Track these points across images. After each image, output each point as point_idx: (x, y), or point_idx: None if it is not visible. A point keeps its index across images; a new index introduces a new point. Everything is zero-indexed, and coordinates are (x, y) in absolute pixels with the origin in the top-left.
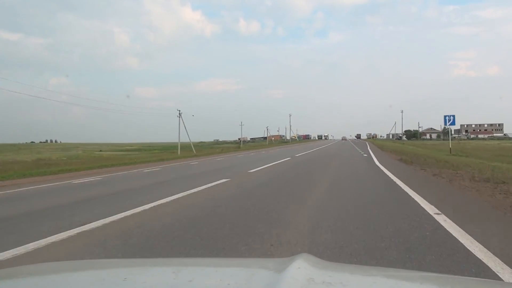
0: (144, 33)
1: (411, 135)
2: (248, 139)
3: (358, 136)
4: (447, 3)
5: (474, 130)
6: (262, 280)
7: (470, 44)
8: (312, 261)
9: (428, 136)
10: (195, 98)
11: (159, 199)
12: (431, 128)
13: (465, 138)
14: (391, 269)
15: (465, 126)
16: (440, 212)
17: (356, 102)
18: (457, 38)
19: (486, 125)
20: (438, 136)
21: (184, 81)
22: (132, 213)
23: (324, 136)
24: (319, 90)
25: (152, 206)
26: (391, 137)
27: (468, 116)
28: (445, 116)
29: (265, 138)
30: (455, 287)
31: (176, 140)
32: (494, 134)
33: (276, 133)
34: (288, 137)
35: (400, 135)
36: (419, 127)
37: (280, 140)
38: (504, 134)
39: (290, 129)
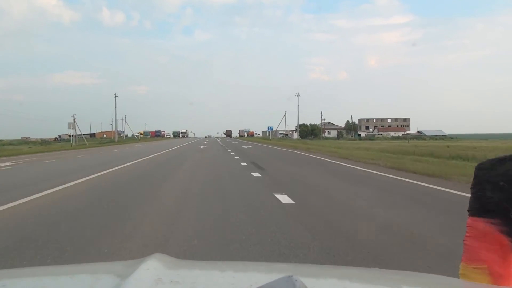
0: None
1: (308, 131)
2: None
3: (229, 134)
4: (308, 11)
5: (376, 127)
6: (105, 286)
7: (324, 50)
8: (164, 260)
9: (327, 133)
10: (48, 91)
11: None
12: (329, 123)
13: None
14: (240, 263)
15: (365, 120)
16: None
17: (224, 100)
18: (315, 44)
19: (389, 120)
20: (340, 134)
21: (36, 72)
22: None
23: (182, 133)
24: (186, 87)
25: None
26: (268, 134)
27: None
28: None
29: (93, 135)
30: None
31: None
32: (408, 132)
33: (109, 129)
34: (130, 134)
35: (282, 132)
36: (322, 119)
37: (108, 139)
38: (418, 132)
39: (116, 122)
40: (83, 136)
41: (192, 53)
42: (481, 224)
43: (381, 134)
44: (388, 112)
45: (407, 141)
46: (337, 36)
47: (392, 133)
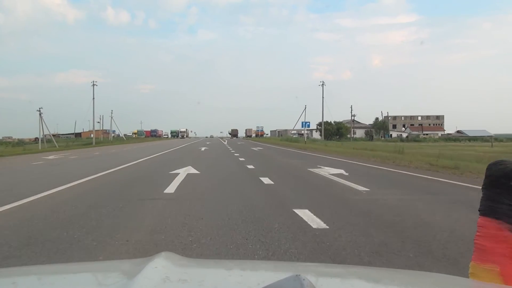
0: None
1: (333, 131)
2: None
3: (235, 133)
4: (313, 10)
5: (404, 125)
6: (114, 284)
7: (329, 49)
8: (172, 259)
9: (353, 133)
10: (53, 90)
11: None
12: (354, 121)
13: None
14: (247, 262)
15: (392, 118)
16: None
17: (228, 100)
18: (321, 43)
19: (420, 118)
20: (368, 134)
21: (41, 71)
22: None
23: (181, 132)
24: (190, 87)
25: None
26: (277, 134)
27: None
28: None
29: (79, 134)
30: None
31: None
32: (448, 132)
33: (98, 127)
34: (121, 134)
35: (294, 132)
36: (352, 115)
37: (90, 140)
38: (458, 131)
39: (96, 119)
40: (51, 136)
41: (197, 52)
42: (492, 224)
43: (426, 134)
44: (402, 110)
45: (490, 144)
46: (343, 35)
47: (429, 132)
